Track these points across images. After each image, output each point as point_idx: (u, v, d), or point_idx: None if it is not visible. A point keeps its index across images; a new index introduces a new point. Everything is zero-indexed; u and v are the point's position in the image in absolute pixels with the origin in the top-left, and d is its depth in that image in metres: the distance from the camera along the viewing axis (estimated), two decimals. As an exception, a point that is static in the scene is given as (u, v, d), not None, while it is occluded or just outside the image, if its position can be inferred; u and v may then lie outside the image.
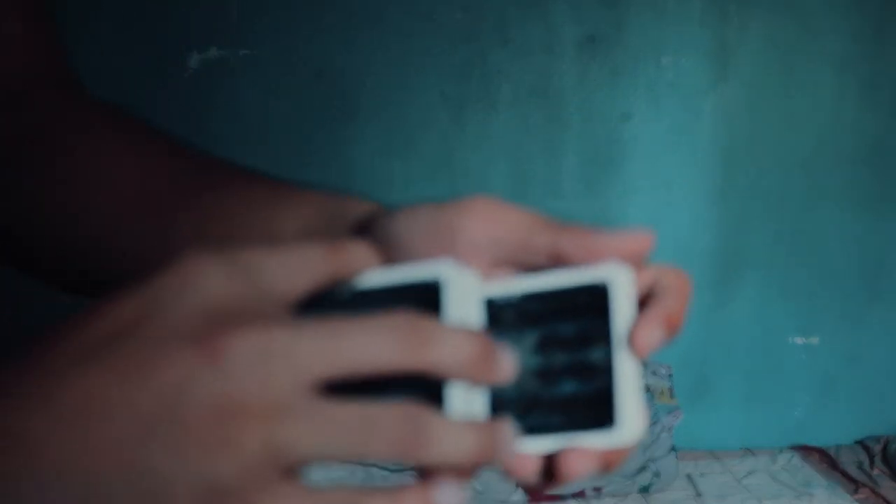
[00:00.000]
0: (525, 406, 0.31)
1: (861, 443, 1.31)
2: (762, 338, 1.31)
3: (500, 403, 0.31)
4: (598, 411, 0.30)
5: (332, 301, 0.29)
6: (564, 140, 1.25)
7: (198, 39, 1.20)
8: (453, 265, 0.29)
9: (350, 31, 1.21)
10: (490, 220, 0.32)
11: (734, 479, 1.21)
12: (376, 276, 0.30)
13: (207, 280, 0.25)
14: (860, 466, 1.26)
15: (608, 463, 0.29)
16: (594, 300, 0.30)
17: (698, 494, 1.17)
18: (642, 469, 1.16)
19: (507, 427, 0.27)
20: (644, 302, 0.32)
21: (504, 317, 0.31)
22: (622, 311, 0.30)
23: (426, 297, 0.29)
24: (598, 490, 1.15)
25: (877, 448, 1.28)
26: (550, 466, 0.29)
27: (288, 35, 1.21)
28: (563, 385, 0.31)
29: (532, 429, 0.31)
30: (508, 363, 0.28)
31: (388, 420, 0.25)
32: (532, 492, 1.19)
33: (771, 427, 1.32)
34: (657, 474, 1.17)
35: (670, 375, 1.22)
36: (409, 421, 0.25)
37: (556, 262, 0.32)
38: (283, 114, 1.23)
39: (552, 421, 0.31)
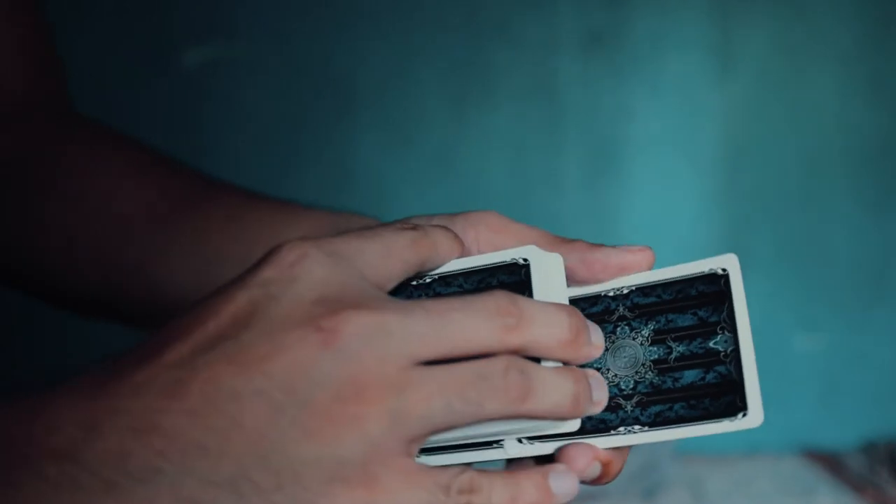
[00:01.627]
0: (645, 398, 0.31)
1: (867, 446, 1.30)
2: (765, 339, 1.30)
3: (619, 397, 0.31)
4: (728, 398, 0.30)
5: (421, 284, 0.31)
6: (566, 138, 1.25)
7: (195, 36, 1.20)
8: (537, 248, 0.30)
9: (349, 28, 1.20)
10: (497, 234, 0.33)
11: (737, 483, 1.20)
12: (460, 261, 0.31)
13: (312, 268, 0.26)
14: (866, 470, 1.25)
15: (609, 468, 0.30)
16: (711, 288, 0.31)
17: (701, 498, 1.16)
18: (643, 473, 1.15)
19: (598, 375, 0.30)
20: None
21: (615, 311, 0.32)
22: (740, 297, 0.31)
23: (512, 279, 0.30)
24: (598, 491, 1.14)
25: (883, 451, 1.27)
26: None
27: (287, 32, 1.20)
28: (684, 375, 0.31)
29: (656, 420, 0.31)
30: (599, 341, 0.30)
31: (497, 371, 0.26)
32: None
33: (775, 430, 1.31)
34: (659, 478, 1.16)
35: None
36: (516, 370, 0.27)
37: None
38: (281, 111, 1.22)
39: (677, 412, 0.31)
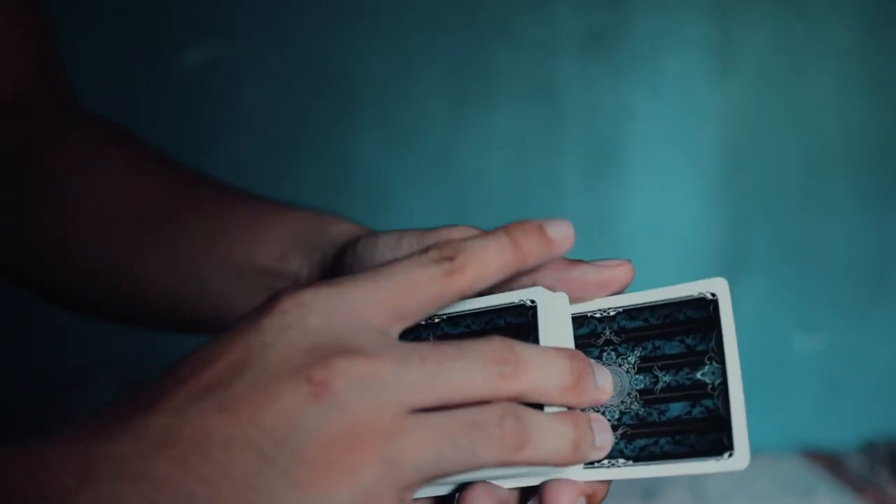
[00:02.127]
0: (631, 430, 0.30)
1: (867, 446, 1.30)
2: (765, 339, 1.30)
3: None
4: (714, 436, 0.29)
5: (429, 324, 0.30)
6: (566, 138, 1.24)
7: (195, 36, 1.19)
8: (544, 289, 0.29)
9: (349, 28, 1.20)
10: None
11: (737, 483, 1.20)
12: (469, 301, 0.30)
13: (308, 316, 0.26)
14: (866, 470, 1.25)
15: (593, 499, 0.29)
16: (699, 314, 0.29)
17: (701, 498, 1.16)
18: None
19: (602, 418, 0.29)
20: None
21: (601, 335, 0.31)
22: (729, 326, 0.30)
23: (519, 321, 0.29)
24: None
25: (883, 451, 1.27)
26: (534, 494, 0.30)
27: (287, 32, 1.20)
28: (670, 408, 0.30)
29: (640, 455, 0.30)
30: (606, 385, 0.29)
31: (492, 419, 0.26)
32: None
33: (775, 430, 1.31)
34: (658, 478, 1.16)
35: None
36: (512, 418, 0.26)
37: None
38: (281, 111, 1.22)
39: (662, 447, 0.30)
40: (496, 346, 0.27)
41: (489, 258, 0.29)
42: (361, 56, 1.21)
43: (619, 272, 0.31)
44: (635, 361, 0.31)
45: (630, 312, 0.31)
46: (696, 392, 0.30)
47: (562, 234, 0.30)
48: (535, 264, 0.30)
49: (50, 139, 0.48)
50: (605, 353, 0.31)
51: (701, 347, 0.30)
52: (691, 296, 0.31)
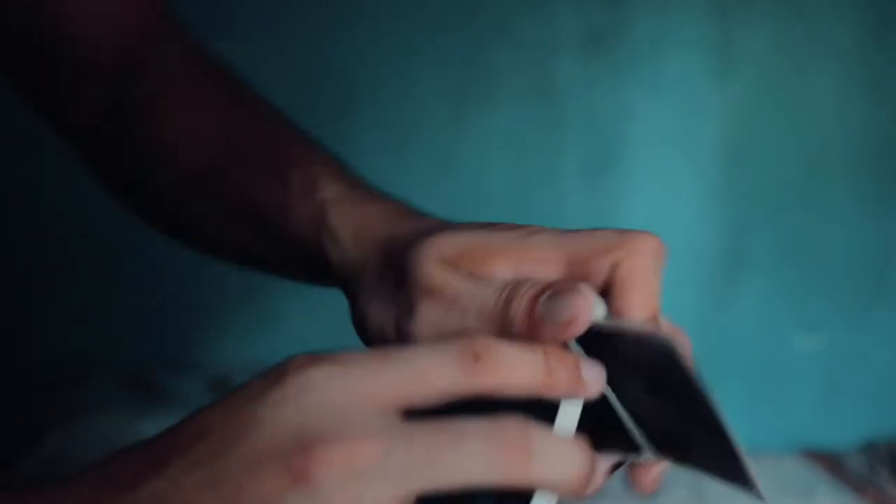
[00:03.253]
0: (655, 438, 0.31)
1: (867, 446, 1.30)
2: (765, 339, 1.30)
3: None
4: (732, 469, 0.29)
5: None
6: (566, 138, 1.24)
7: (194, 36, 1.19)
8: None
9: (349, 28, 1.20)
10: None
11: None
12: None
13: (304, 393, 0.26)
14: (866, 470, 1.25)
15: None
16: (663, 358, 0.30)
17: (701, 498, 1.16)
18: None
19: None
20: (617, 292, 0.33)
21: (612, 351, 0.31)
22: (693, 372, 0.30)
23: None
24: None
25: (883, 451, 1.27)
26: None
27: (287, 32, 1.20)
28: (694, 432, 0.30)
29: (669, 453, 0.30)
30: (598, 482, 0.30)
31: None
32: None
33: (775, 430, 1.31)
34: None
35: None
36: None
37: None
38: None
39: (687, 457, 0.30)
40: (506, 429, 0.26)
41: (516, 374, 0.28)
42: (361, 56, 1.21)
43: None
44: (640, 385, 0.31)
45: (624, 340, 0.32)
46: (701, 424, 0.31)
47: (593, 379, 0.30)
48: (556, 397, 0.29)
49: (172, 75, 0.52)
50: (611, 369, 0.31)
51: (683, 387, 0.31)
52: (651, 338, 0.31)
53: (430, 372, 0.27)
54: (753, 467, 0.29)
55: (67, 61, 0.51)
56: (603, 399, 0.31)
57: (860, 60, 1.25)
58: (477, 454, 0.25)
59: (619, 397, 0.31)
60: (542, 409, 0.29)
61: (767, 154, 1.26)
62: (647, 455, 0.31)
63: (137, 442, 0.28)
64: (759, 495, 0.29)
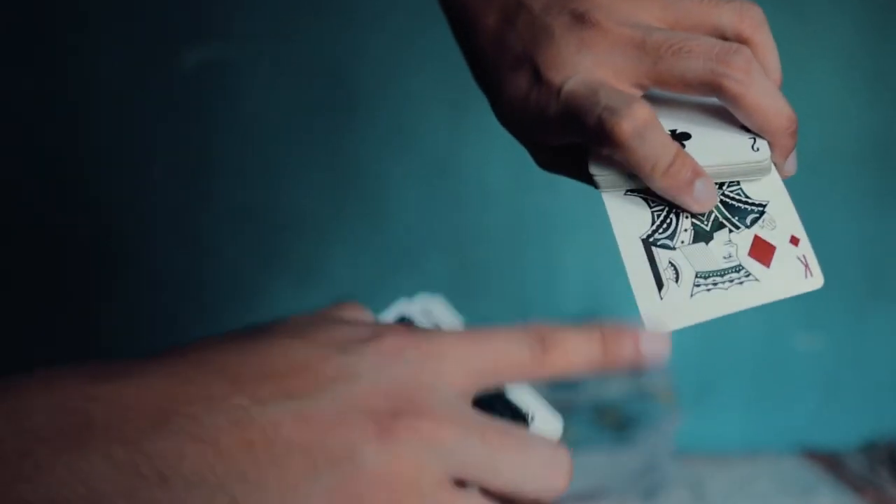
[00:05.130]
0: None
1: (867, 446, 1.30)
2: (765, 339, 1.30)
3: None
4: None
5: (507, 393, 0.32)
6: (565, 138, 1.24)
7: (194, 36, 1.19)
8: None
9: (349, 28, 1.20)
10: None
11: (737, 483, 1.20)
12: None
13: (401, 365, 0.29)
14: (866, 470, 1.25)
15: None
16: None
17: (701, 498, 1.16)
18: (644, 473, 1.15)
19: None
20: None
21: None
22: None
23: None
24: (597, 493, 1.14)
25: (883, 451, 1.27)
26: None
27: (286, 32, 1.20)
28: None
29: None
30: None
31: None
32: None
33: (775, 429, 1.31)
34: (659, 478, 1.16)
35: (672, 377, 1.20)
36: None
37: None
38: (280, 112, 1.21)
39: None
40: (558, 452, 0.29)
41: (574, 359, 0.31)
42: (361, 56, 1.21)
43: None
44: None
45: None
46: None
47: (655, 350, 0.32)
48: (620, 371, 0.32)
49: None
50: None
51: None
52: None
53: (505, 359, 0.30)
54: None
55: None
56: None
57: (860, 60, 1.25)
58: (533, 473, 0.29)
59: None
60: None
61: (767, 154, 1.25)
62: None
63: (195, 346, 0.30)
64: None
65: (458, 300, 1.43)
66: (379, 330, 0.30)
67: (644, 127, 0.37)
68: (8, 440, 0.27)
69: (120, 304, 1.22)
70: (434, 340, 0.30)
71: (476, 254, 1.26)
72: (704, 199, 0.39)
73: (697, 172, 0.38)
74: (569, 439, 1.12)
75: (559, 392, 1.17)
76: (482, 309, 1.26)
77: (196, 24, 1.20)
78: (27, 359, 1.19)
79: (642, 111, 0.37)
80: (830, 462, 1.27)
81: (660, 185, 0.38)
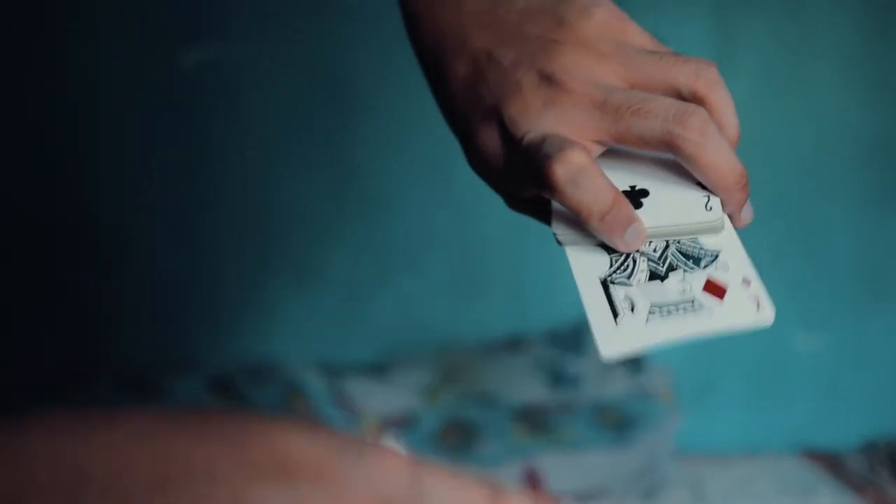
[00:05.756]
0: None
1: (867, 446, 1.30)
2: (765, 339, 1.30)
3: None
4: None
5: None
6: (565, 138, 1.24)
7: (194, 36, 1.19)
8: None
9: (349, 28, 1.20)
10: None
11: (737, 483, 1.20)
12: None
13: (393, 478, 0.28)
14: (866, 470, 1.25)
15: None
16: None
17: (701, 498, 1.16)
18: (644, 473, 1.15)
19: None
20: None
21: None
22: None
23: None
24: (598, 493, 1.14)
25: (883, 451, 1.27)
26: None
27: (286, 32, 1.20)
28: None
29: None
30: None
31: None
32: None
33: (775, 429, 1.31)
34: (659, 478, 1.15)
35: (671, 377, 1.20)
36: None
37: None
38: (281, 112, 1.21)
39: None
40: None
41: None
42: (361, 56, 1.21)
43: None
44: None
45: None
46: None
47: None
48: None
49: None
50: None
51: None
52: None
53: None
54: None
55: None
56: None
57: (860, 60, 1.25)
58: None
59: None
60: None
61: (768, 153, 1.25)
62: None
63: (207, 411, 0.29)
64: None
65: (458, 300, 1.44)
66: (380, 444, 0.30)
67: (577, 172, 0.39)
68: (1, 486, 0.26)
69: (119, 304, 1.22)
70: (425, 470, 0.29)
71: (476, 254, 1.26)
72: (633, 241, 0.41)
73: (631, 219, 0.41)
74: (569, 441, 1.12)
75: (559, 392, 1.17)
76: (482, 309, 1.26)
77: (196, 24, 1.20)
78: (27, 359, 1.19)
79: (576, 156, 0.39)
80: (830, 462, 1.27)
81: (597, 228, 0.40)
